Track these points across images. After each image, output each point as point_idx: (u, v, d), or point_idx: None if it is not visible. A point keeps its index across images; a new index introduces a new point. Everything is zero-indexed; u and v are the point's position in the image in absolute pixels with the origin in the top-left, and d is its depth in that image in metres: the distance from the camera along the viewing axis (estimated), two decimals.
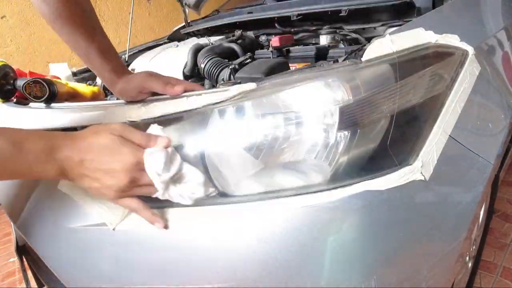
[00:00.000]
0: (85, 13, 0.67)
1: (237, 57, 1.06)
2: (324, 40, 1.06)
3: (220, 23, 1.36)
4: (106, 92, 1.09)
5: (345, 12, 0.98)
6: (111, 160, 0.47)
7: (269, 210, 0.51)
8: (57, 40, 2.94)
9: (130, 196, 0.50)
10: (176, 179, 0.50)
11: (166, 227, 0.53)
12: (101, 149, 0.47)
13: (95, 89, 0.98)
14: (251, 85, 0.57)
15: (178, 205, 0.55)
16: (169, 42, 1.58)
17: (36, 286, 0.97)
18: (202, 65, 1.01)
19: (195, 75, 1.11)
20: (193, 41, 1.31)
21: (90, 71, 1.36)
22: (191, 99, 0.57)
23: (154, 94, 0.67)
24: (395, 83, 0.56)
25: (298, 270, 0.50)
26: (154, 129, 0.52)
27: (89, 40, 0.66)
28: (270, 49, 1.05)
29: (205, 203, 0.54)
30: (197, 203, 0.55)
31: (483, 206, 0.98)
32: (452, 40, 0.66)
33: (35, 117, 0.75)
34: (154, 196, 0.51)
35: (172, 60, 1.17)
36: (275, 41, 1.02)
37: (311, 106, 0.53)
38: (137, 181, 0.48)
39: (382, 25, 0.99)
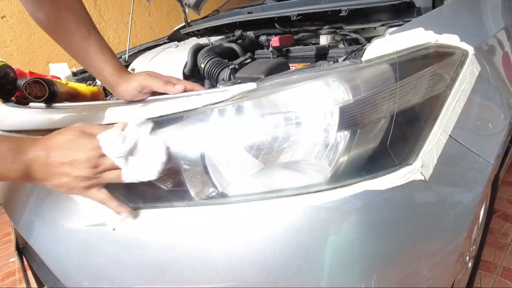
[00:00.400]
0: (80, 17, 0.67)
1: (237, 57, 1.06)
2: (324, 40, 1.06)
3: (220, 23, 1.36)
4: (106, 92, 1.09)
5: (345, 12, 0.98)
6: (74, 151, 0.50)
7: (269, 210, 0.51)
8: (58, 44, 2.92)
9: (99, 186, 0.53)
10: (136, 154, 0.53)
11: (133, 215, 0.56)
12: (64, 144, 0.51)
13: (95, 89, 0.98)
14: (251, 85, 0.57)
15: (178, 205, 0.56)
16: (169, 42, 1.58)
17: (36, 286, 0.97)
18: (202, 65, 1.01)
19: (195, 75, 1.11)
20: (193, 41, 1.31)
21: None
22: (191, 99, 0.57)
23: (154, 94, 0.67)
24: (395, 83, 0.56)
25: (298, 270, 0.50)
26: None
27: (86, 42, 0.67)
28: (270, 49, 1.05)
29: (205, 203, 0.54)
30: (197, 203, 0.55)
31: (483, 206, 0.98)
32: (452, 40, 0.66)
33: (35, 117, 0.75)
34: (121, 179, 0.53)
35: (172, 60, 1.17)
36: (275, 41, 1.02)
37: (311, 106, 0.53)
38: (100, 165, 0.52)
39: (382, 25, 0.99)
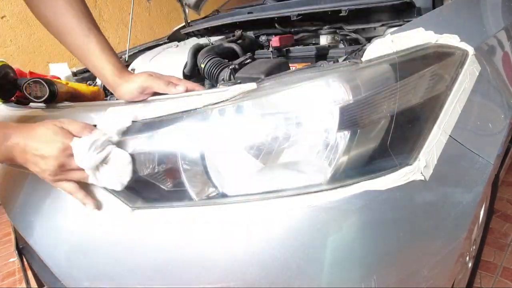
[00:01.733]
0: (81, 14, 0.66)
1: (237, 57, 1.06)
2: (324, 40, 1.06)
3: (220, 23, 1.36)
4: (106, 92, 1.09)
5: (345, 12, 0.98)
6: (45, 146, 0.53)
7: (269, 210, 0.51)
8: (57, 40, 2.93)
9: (67, 180, 0.56)
10: (105, 163, 0.55)
11: (98, 208, 0.58)
12: (40, 136, 0.54)
13: (95, 89, 0.98)
14: (251, 85, 0.57)
15: (178, 205, 0.56)
16: (169, 42, 1.58)
17: (36, 286, 0.98)
18: (202, 65, 1.00)
19: (195, 75, 1.11)
20: (193, 41, 1.31)
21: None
22: (191, 99, 0.57)
23: (155, 94, 0.67)
24: (395, 83, 0.56)
25: (298, 270, 0.50)
26: (109, 113, 0.59)
27: (87, 40, 0.66)
28: (270, 49, 1.05)
29: (205, 203, 0.54)
30: (197, 203, 0.55)
31: (483, 206, 0.98)
32: (452, 40, 0.66)
33: (35, 117, 0.75)
34: (87, 181, 0.55)
35: (172, 60, 1.17)
36: (275, 41, 1.02)
37: (311, 106, 0.53)
38: (67, 165, 0.54)
39: (382, 25, 0.99)
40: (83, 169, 0.54)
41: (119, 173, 0.55)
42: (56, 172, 0.54)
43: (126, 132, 0.58)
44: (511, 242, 1.43)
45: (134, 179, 0.57)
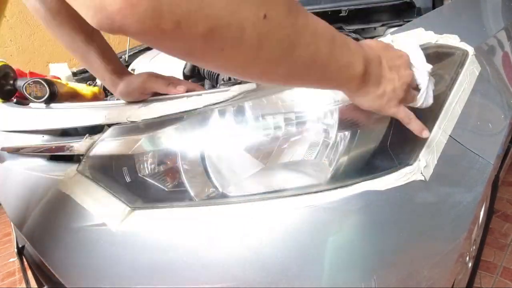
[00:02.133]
0: (82, 24, 0.65)
1: None
2: None
3: None
4: (106, 92, 1.09)
5: (345, 12, 0.98)
6: (396, 56, 0.48)
7: (269, 210, 0.51)
8: (57, 40, 2.93)
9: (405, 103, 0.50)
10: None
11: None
12: (386, 47, 0.48)
13: (95, 89, 0.98)
14: (251, 85, 0.57)
15: (178, 205, 0.56)
16: None
17: (36, 286, 0.97)
18: None
19: (195, 75, 1.11)
20: None
21: None
22: (191, 99, 0.57)
23: (155, 94, 0.67)
24: None
25: (298, 270, 0.50)
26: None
27: (88, 40, 0.65)
28: None
29: (205, 203, 0.54)
30: (197, 203, 0.55)
31: (483, 206, 0.98)
32: (452, 40, 0.66)
33: (35, 117, 0.75)
34: (416, 100, 0.51)
35: (172, 60, 1.17)
36: None
37: (311, 106, 0.53)
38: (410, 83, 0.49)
39: (382, 25, 0.99)
40: (413, 89, 0.50)
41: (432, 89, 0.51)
42: (408, 84, 0.48)
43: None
44: (511, 242, 1.43)
45: (135, 179, 0.57)
